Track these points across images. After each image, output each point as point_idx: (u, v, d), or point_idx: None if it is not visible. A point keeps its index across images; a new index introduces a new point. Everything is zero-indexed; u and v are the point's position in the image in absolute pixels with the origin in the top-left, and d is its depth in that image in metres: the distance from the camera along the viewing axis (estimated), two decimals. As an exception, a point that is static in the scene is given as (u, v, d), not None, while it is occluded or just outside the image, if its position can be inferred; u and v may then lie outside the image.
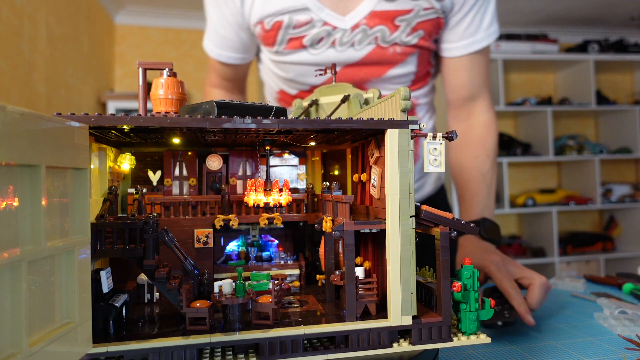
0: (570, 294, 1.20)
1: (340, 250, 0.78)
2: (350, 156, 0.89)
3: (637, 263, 3.91)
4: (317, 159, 0.98)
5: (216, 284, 0.67)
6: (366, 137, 0.77)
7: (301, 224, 0.93)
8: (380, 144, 0.70)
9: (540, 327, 0.95)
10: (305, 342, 0.67)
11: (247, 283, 0.77)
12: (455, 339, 0.69)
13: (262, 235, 0.94)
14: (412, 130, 0.67)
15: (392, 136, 0.66)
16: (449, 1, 1.21)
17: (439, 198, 1.57)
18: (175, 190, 0.90)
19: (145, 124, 0.61)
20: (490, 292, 1.03)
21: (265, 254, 0.93)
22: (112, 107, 3.60)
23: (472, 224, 0.70)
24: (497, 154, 1.32)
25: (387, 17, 1.19)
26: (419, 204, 0.69)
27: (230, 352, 0.64)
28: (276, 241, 0.94)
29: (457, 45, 1.27)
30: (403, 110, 0.67)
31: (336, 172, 0.96)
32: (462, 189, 1.29)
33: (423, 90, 1.38)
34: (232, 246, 0.93)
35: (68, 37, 2.99)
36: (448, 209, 1.66)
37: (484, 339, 0.69)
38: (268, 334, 0.63)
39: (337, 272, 0.72)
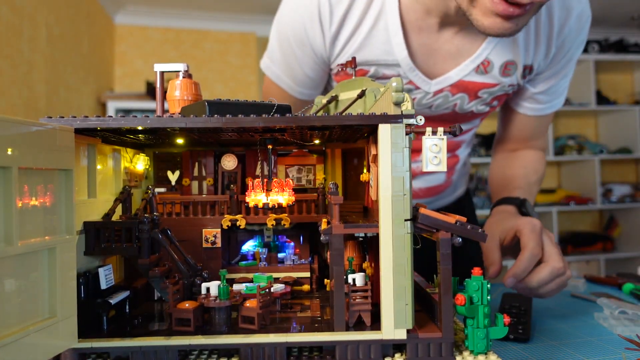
0: (570, 294, 1.19)
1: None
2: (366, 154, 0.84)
3: (637, 263, 3.84)
4: (337, 157, 0.94)
5: (204, 286, 0.67)
6: (375, 134, 0.72)
7: (318, 225, 0.90)
8: (377, 141, 0.65)
9: (541, 327, 0.93)
10: (295, 350, 0.64)
11: (245, 285, 0.76)
12: (459, 357, 0.62)
13: (279, 236, 0.92)
14: (407, 125, 0.61)
15: (384, 132, 0.61)
16: (534, 74, 1.15)
17: (466, 200, 1.51)
18: (194, 190, 0.92)
19: (128, 124, 0.61)
20: (509, 301, 0.99)
21: (280, 255, 0.91)
22: (112, 107, 3.55)
23: (480, 229, 0.62)
24: (542, 180, 1.30)
25: (472, 89, 1.13)
26: (416, 207, 0.63)
27: (216, 355, 0.63)
28: (292, 242, 0.92)
29: (536, 107, 1.22)
30: (396, 104, 0.61)
31: (358, 171, 0.91)
32: (500, 189, 1.24)
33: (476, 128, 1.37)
34: (248, 246, 0.92)
35: (68, 37, 3.02)
36: (473, 212, 1.60)
37: (493, 360, 0.61)
38: (248, 340, 0.61)
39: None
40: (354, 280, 0.65)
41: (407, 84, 1.13)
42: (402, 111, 0.61)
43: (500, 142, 1.34)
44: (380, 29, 1.07)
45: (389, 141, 0.61)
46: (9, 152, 0.50)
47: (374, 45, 1.08)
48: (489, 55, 1.09)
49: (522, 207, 1.11)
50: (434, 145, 0.62)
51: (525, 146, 1.30)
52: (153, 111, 3.63)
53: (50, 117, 0.61)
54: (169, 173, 0.92)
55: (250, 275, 0.84)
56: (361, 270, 0.74)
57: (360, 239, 0.74)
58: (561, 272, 0.90)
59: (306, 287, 0.84)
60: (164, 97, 0.85)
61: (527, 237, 0.92)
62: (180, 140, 0.81)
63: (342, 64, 0.95)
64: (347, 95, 0.93)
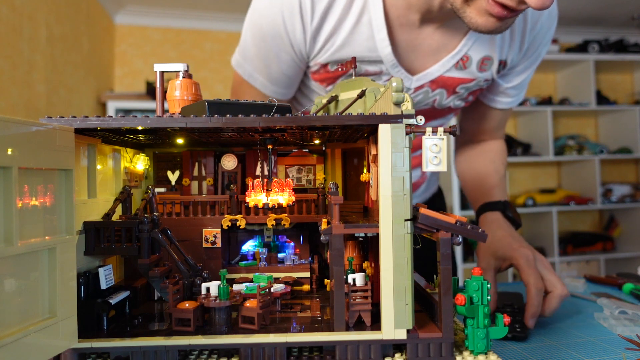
0: (570, 294, 1.16)
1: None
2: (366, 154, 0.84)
3: (637, 263, 3.84)
4: (337, 157, 0.94)
5: (204, 286, 0.67)
6: (375, 134, 0.72)
7: (318, 225, 0.90)
8: (377, 141, 0.65)
9: (540, 326, 0.93)
10: (295, 350, 0.64)
11: (245, 285, 0.75)
12: (459, 357, 0.62)
13: (280, 236, 0.92)
14: (407, 125, 0.61)
15: (384, 132, 0.61)
16: (507, 68, 1.19)
17: (438, 198, 1.58)
18: (194, 190, 0.92)
19: (128, 124, 0.61)
20: (501, 300, 1.00)
21: (280, 255, 0.91)
22: (111, 107, 3.58)
23: (480, 230, 0.62)
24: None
25: (451, 84, 1.16)
26: (416, 207, 0.63)
27: (216, 355, 0.63)
28: (292, 242, 0.92)
29: (506, 100, 1.29)
30: (396, 104, 0.61)
31: (358, 171, 0.91)
32: (476, 189, 1.29)
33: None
34: (248, 246, 0.92)
35: (68, 37, 3.03)
36: (445, 209, 1.65)
37: (493, 360, 0.61)
38: (248, 340, 0.61)
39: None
40: (354, 280, 0.65)
41: (389, 80, 1.13)
42: (402, 111, 0.61)
43: (466, 135, 1.40)
44: (363, 25, 1.04)
45: (389, 141, 0.61)
46: (9, 152, 0.50)
47: (358, 42, 1.06)
48: (468, 51, 1.11)
49: (506, 210, 1.15)
50: (434, 145, 0.62)
51: (490, 137, 1.37)
52: (153, 111, 3.61)
53: (50, 117, 0.61)
54: (169, 173, 0.92)
55: (250, 275, 0.84)
56: (361, 270, 0.74)
57: (361, 239, 0.74)
58: (567, 294, 0.93)
59: (306, 287, 0.84)
60: (164, 97, 0.85)
61: (526, 273, 0.94)
62: (180, 140, 0.81)
63: (342, 64, 0.95)
64: (347, 95, 0.93)
